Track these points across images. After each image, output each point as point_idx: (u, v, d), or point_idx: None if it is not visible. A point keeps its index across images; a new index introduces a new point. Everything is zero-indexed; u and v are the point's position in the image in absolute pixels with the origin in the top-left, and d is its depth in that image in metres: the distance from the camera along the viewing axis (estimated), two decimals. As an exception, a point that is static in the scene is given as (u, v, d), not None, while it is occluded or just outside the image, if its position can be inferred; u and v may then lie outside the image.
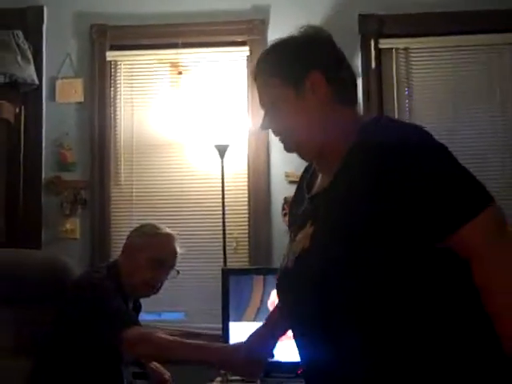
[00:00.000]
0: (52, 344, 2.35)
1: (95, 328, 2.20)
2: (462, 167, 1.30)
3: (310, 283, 1.32)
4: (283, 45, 1.47)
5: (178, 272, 2.51)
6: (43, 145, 3.59)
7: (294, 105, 1.42)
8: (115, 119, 3.64)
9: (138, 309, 2.59)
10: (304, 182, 1.54)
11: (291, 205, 1.61)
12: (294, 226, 1.48)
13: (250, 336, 1.77)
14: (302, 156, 1.48)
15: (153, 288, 2.45)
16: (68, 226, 3.52)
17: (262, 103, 1.48)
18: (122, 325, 2.13)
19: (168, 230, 2.51)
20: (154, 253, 2.41)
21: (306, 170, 1.59)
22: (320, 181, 1.47)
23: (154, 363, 2.61)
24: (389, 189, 1.26)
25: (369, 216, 1.27)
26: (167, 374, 2.62)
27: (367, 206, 1.27)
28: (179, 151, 3.59)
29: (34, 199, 3.55)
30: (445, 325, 1.28)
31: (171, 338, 2.09)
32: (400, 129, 1.36)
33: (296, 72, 1.42)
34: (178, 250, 2.47)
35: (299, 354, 1.42)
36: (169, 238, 2.46)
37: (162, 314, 3.44)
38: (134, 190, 3.60)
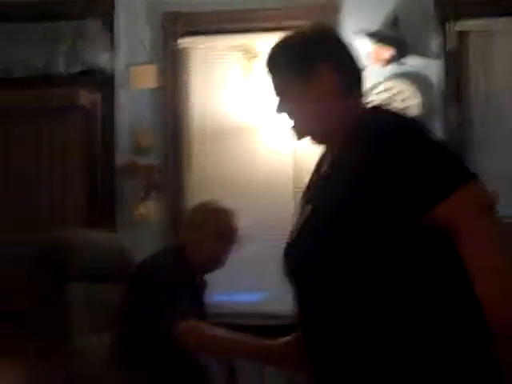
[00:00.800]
0: (126, 321, 2.39)
1: (152, 314, 2.24)
2: (446, 145, 1.40)
3: (301, 265, 1.43)
4: (293, 38, 1.53)
5: (241, 245, 2.54)
6: (118, 130, 3.65)
7: (303, 95, 1.48)
8: (188, 104, 3.66)
9: (202, 287, 2.61)
10: (320, 161, 1.60)
11: (309, 181, 1.64)
12: (303, 201, 1.55)
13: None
14: (312, 142, 1.54)
15: (217, 262, 2.50)
16: (143, 209, 3.57)
17: (275, 92, 1.54)
18: (177, 314, 2.16)
19: (227, 205, 2.55)
20: (215, 227, 2.46)
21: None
22: (326, 162, 1.54)
23: None
24: (379, 169, 1.32)
25: (359, 197, 1.32)
26: None
27: (358, 186, 1.33)
28: (252, 135, 3.59)
29: (110, 183, 3.62)
30: (421, 301, 1.32)
31: (225, 335, 2.09)
32: (393, 116, 1.45)
33: (305, 64, 1.47)
34: (238, 224, 2.52)
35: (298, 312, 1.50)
36: (228, 213, 2.51)
37: (239, 295, 3.43)
38: (208, 174, 3.62)
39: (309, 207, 1.46)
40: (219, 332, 2.12)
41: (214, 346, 2.11)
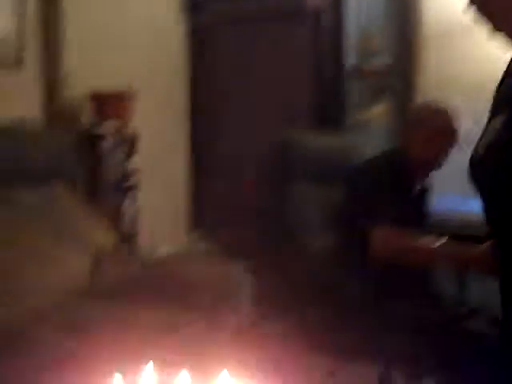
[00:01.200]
0: (341, 223, 2.50)
1: (364, 218, 2.31)
2: None
3: (493, 176, 1.38)
4: None
5: (457, 147, 2.45)
6: (348, 33, 3.64)
7: None
8: (419, 5, 3.52)
9: (422, 195, 2.59)
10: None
11: (499, 84, 1.52)
12: (492, 110, 1.48)
13: None
14: (506, 40, 1.43)
15: (434, 162, 2.46)
16: (372, 112, 3.58)
17: None
18: (386, 219, 2.22)
19: (446, 107, 2.47)
20: (435, 126, 2.42)
21: None
22: None
23: None
24: None
25: None
26: None
27: None
28: (486, 35, 3.36)
29: (338, 86, 3.65)
30: None
31: (421, 244, 2.13)
32: None
33: None
34: (458, 126, 2.44)
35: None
36: (449, 113, 2.45)
37: (463, 204, 3.27)
38: (439, 76, 3.49)
39: (499, 119, 1.40)
40: (415, 241, 2.18)
41: (406, 255, 2.19)
